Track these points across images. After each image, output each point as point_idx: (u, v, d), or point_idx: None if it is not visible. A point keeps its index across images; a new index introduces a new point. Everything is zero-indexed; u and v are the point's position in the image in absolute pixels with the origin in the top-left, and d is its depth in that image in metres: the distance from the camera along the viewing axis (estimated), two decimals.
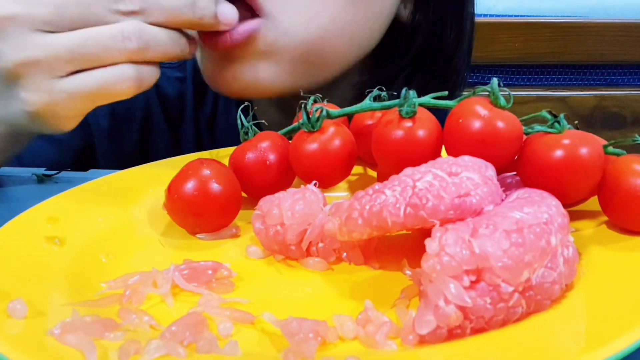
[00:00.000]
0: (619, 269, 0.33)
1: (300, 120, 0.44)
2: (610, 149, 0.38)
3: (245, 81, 0.53)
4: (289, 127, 0.47)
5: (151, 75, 0.45)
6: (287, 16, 0.50)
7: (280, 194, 0.39)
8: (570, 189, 0.37)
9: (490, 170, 0.34)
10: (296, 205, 0.38)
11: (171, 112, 0.72)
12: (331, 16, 0.53)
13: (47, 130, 0.46)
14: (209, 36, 0.50)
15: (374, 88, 0.43)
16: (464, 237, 0.29)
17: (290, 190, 0.39)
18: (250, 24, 0.50)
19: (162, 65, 0.70)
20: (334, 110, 0.44)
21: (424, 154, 0.38)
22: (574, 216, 0.37)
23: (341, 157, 0.43)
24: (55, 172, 0.54)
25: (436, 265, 0.29)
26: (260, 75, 0.53)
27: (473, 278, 0.29)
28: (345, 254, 0.38)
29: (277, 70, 0.53)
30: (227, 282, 0.36)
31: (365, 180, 0.49)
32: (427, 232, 0.31)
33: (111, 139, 0.71)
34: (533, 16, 1.25)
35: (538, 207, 0.31)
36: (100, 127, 0.71)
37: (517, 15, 1.26)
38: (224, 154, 0.47)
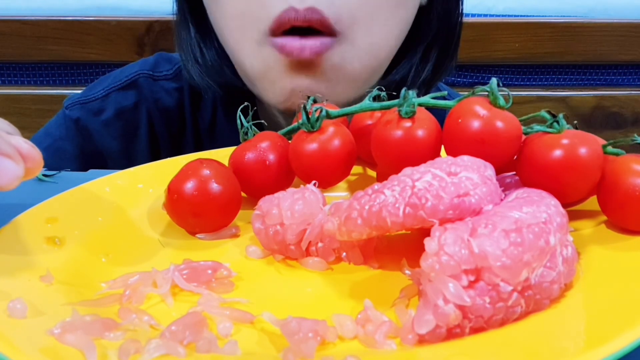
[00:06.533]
0: (618, 268, 0.33)
1: (300, 120, 0.44)
2: (610, 148, 0.38)
3: (320, 92, 0.56)
4: (289, 127, 0.47)
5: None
6: (357, 33, 0.56)
7: (279, 194, 0.39)
8: (569, 189, 0.37)
9: (489, 170, 0.34)
10: (296, 205, 0.38)
11: (172, 124, 0.72)
12: (393, 26, 0.58)
13: None
14: (290, 51, 0.54)
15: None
16: (463, 236, 0.29)
17: (290, 190, 0.39)
18: (326, 40, 0.55)
19: (158, 77, 0.71)
20: (334, 110, 0.44)
21: (423, 153, 0.38)
22: (573, 216, 0.37)
23: (341, 157, 0.43)
24: (55, 172, 0.54)
25: (435, 265, 0.29)
26: (334, 89, 0.57)
27: (472, 277, 0.29)
28: (344, 253, 0.38)
29: (347, 84, 0.58)
30: (227, 281, 0.36)
31: (365, 180, 0.49)
32: (426, 232, 0.31)
33: (123, 160, 0.71)
34: (533, 16, 1.25)
35: (537, 207, 0.31)
36: (112, 151, 0.71)
37: (517, 15, 1.25)
38: (223, 154, 0.47)
